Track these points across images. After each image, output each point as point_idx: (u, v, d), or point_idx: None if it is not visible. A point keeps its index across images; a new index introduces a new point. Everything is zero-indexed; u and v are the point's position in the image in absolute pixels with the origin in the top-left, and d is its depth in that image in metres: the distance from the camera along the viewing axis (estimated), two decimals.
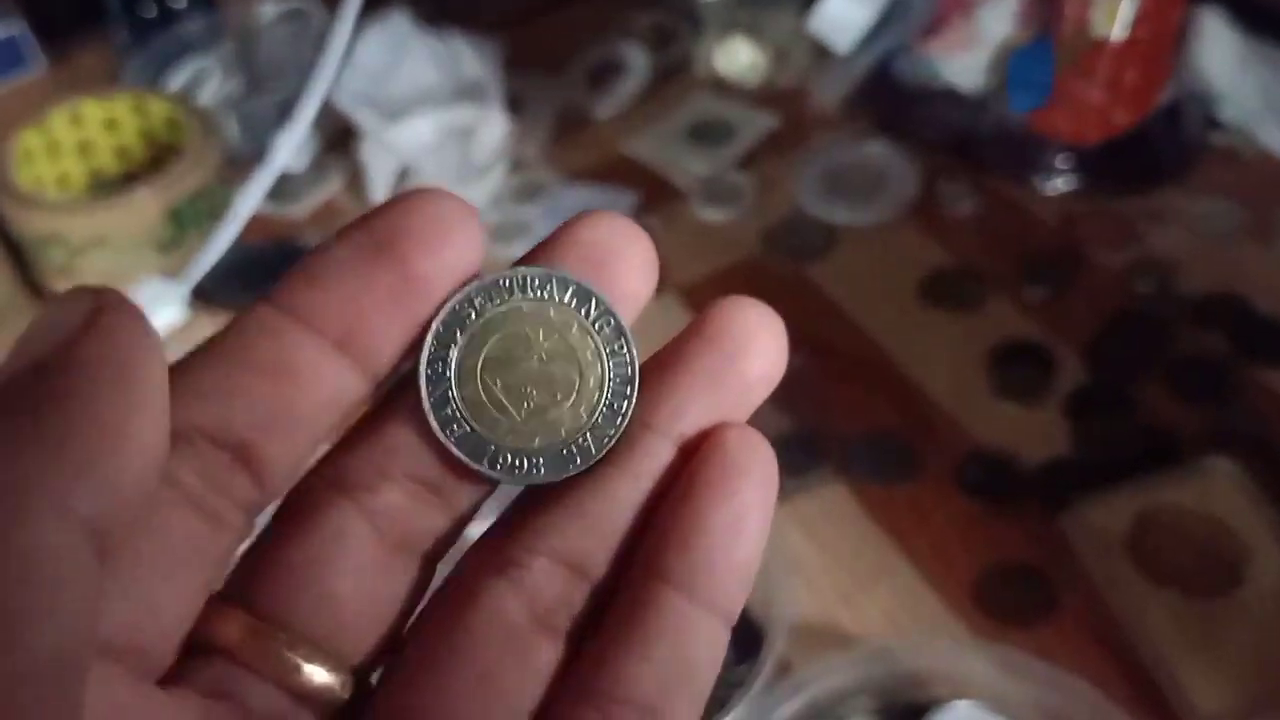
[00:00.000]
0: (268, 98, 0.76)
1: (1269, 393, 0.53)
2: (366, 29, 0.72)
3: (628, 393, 0.19)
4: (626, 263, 0.20)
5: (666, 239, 0.66)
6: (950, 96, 0.68)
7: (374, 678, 0.20)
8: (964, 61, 0.67)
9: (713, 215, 0.67)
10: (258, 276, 0.66)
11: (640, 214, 0.68)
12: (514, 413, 0.19)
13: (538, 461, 0.19)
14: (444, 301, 0.19)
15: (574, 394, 0.19)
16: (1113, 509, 0.48)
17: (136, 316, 0.16)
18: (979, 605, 0.47)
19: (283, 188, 0.72)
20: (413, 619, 0.20)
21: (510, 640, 0.19)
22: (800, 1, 0.74)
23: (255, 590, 0.19)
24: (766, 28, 0.77)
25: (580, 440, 0.19)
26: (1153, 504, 0.48)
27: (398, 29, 0.72)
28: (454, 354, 0.19)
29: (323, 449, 0.20)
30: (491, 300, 0.19)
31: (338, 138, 0.73)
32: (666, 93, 0.76)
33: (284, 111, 0.72)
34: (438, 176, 0.70)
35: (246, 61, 0.79)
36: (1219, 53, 0.63)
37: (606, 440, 0.19)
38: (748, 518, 0.19)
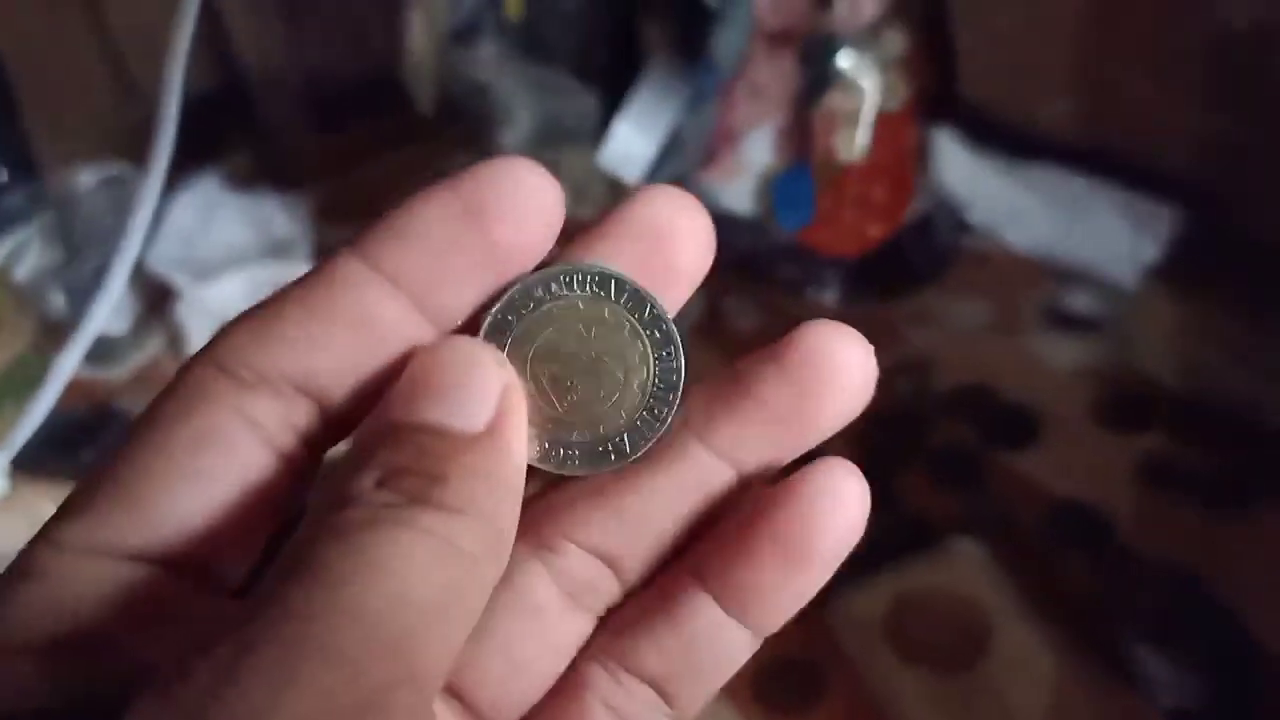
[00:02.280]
0: (88, 265, 0.78)
1: (1011, 475, 0.58)
2: (178, 191, 0.76)
3: (671, 399, 0.20)
4: (684, 241, 0.20)
5: None
6: (729, 221, 0.73)
7: None
8: (736, 188, 0.72)
9: None
10: (78, 443, 0.67)
11: None
12: (557, 403, 0.20)
13: (574, 453, 0.20)
14: (506, 287, 0.19)
15: (617, 393, 0.20)
16: (871, 595, 0.52)
17: (523, 416, 0.19)
18: (757, 698, 0.50)
19: (105, 352, 0.74)
20: None
21: (536, 613, 0.20)
22: (593, 140, 0.79)
23: None
24: (564, 166, 0.82)
25: (617, 439, 0.20)
26: (907, 587, 0.52)
27: (208, 191, 0.76)
28: (507, 341, 0.19)
29: None
30: (549, 292, 0.19)
31: (157, 299, 0.76)
32: None
33: (101, 276, 0.74)
34: None
35: (66, 230, 0.81)
36: (955, 166, 0.69)
37: (643, 443, 0.20)
38: (818, 564, 0.20)
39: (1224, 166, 0.61)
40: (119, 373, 0.73)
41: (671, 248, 0.20)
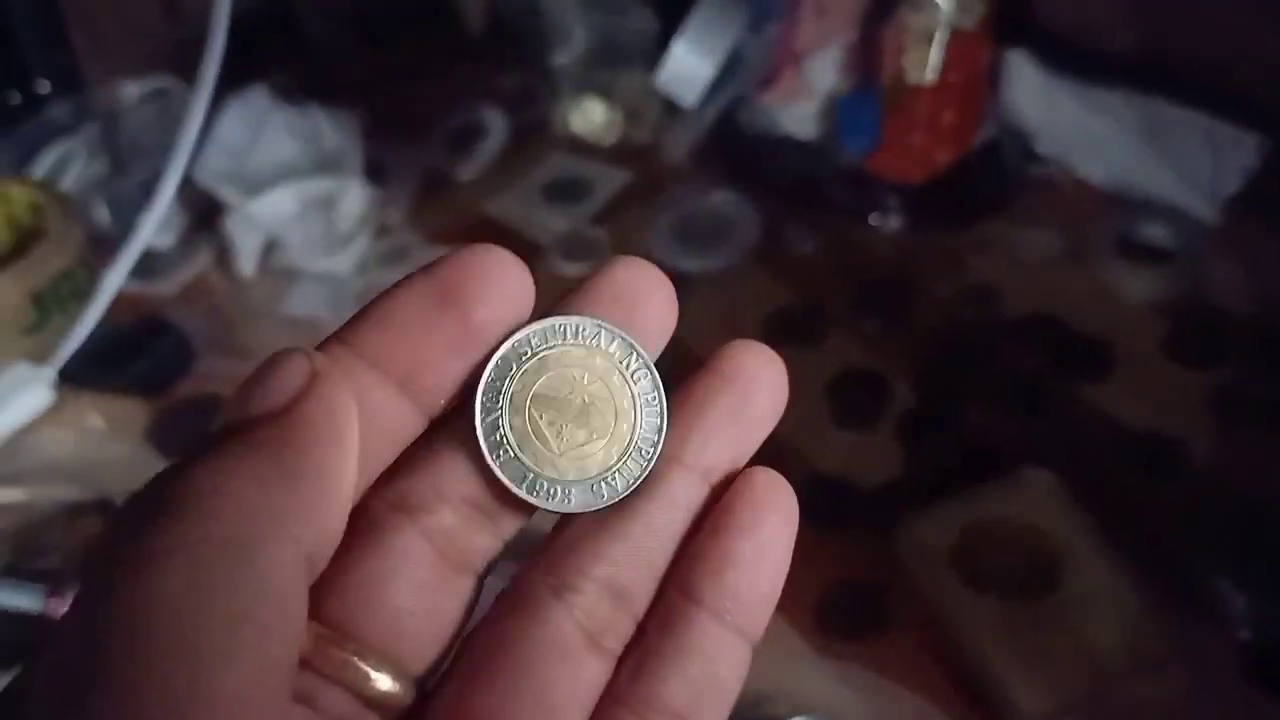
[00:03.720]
0: (134, 178, 0.77)
1: (1082, 404, 0.56)
2: (226, 105, 0.74)
3: (656, 440, 0.21)
4: (653, 303, 0.22)
5: None
6: (789, 144, 0.71)
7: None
8: (798, 111, 0.70)
9: (571, 269, 0.70)
10: (125, 356, 0.67)
11: None
12: (554, 446, 0.21)
13: (570, 492, 0.21)
14: (503, 338, 0.21)
15: (608, 435, 0.21)
16: (939, 523, 0.51)
17: (345, 385, 0.19)
18: (820, 624, 0.49)
19: (151, 266, 0.73)
20: (468, 631, 0.22)
21: (565, 656, 0.21)
22: (649, 61, 0.78)
23: (325, 603, 0.20)
24: (618, 88, 0.80)
25: (610, 478, 0.21)
26: (976, 516, 0.51)
27: (257, 104, 0.75)
28: (508, 386, 0.21)
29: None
30: (546, 341, 0.21)
31: (204, 214, 0.75)
32: (525, 153, 0.79)
33: (150, 191, 0.73)
34: (303, 246, 0.72)
35: (111, 143, 0.80)
36: (1028, 92, 0.67)
37: (633, 481, 0.21)
38: (773, 550, 0.21)
39: None
40: (166, 286, 0.72)
41: (641, 309, 0.22)
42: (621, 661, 0.21)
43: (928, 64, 0.63)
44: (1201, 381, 0.56)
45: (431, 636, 0.21)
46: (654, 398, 0.22)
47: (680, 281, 0.69)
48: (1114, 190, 0.67)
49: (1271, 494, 0.51)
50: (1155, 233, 0.64)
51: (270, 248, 0.72)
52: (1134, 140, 0.65)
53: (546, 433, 0.21)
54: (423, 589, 0.21)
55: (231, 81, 0.76)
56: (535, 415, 0.21)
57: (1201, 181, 0.62)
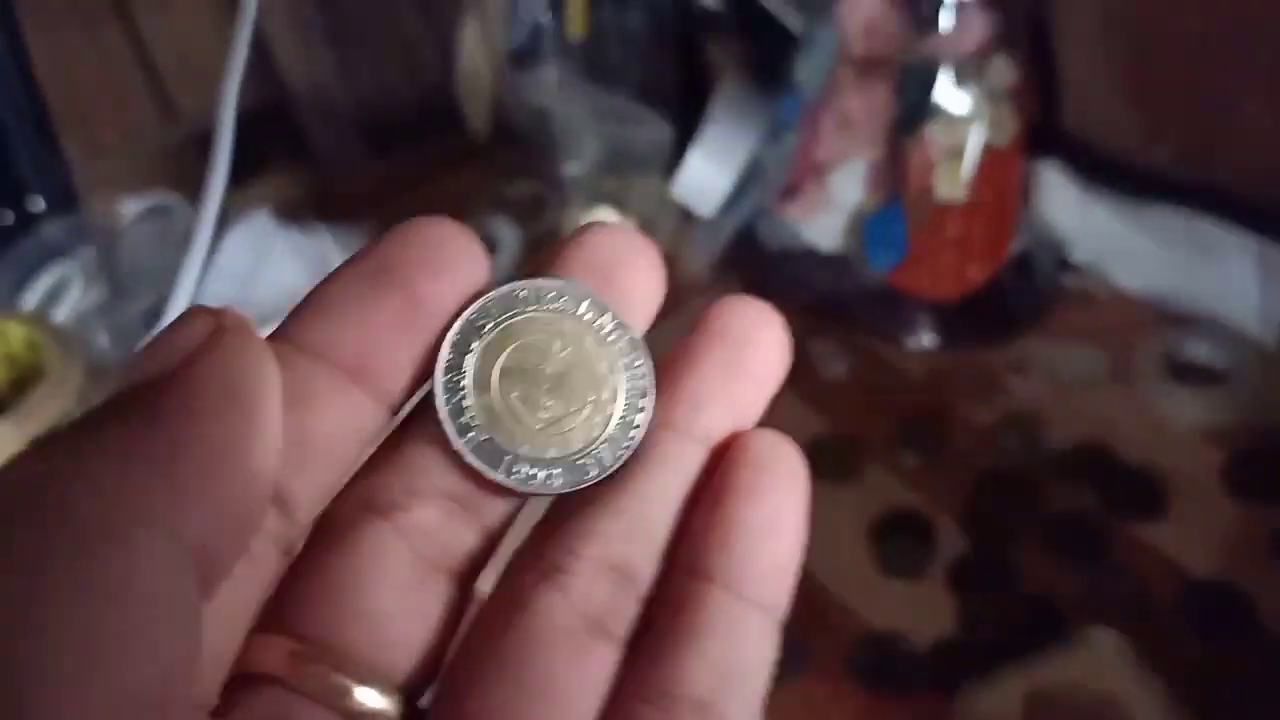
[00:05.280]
0: (135, 303, 0.75)
1: (1141, 547, 0.54)
2: (230, 228, 0.72)
3: (642, 405, 0.19)
4: (634, 272, 0.20)
5: None
6: (813, 258, 0.69)
7: (424, 699, 0.19)
8: (821, 224, 0.68)
9: None
10: None
11: None
12: (529, 422, 0.19)
13: (554, 472, 0.19)
14: (459, 310, 0.19)
15: (589, 405, 0.19)
16: (1003, 692, 0.48)
17: (254, 339, 0.16)
18: None
19: None
20: (461, 633, 0.19)
21: (567, 646, 0.18)
22: (664, 170, 0.75)
23: (295, 616, 0.18)
24: (632, 196, 0.78)
25: (595, 451, 0.19)
26: (1041, 683, 0.48)
27: (261, 227, 0.72)
28: (470, 362, 0.19)
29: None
30: (507, 310, 0.19)
31: None
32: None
33: (152, 318, 0.71)
34: None
35: (110, 265, 0.77)
36: (1061, 203, 0.65)
37: (621, 452, 0.19)
38: (783, 515, 0.19)
39: None
40: None
41: (621, 279, 0.20)
42: (633, 649, 0.19)
43: (958, 181, 0.61)
44: (1266, 518, 0.54)
45: (417, 644, 0.19)
46: (636, 359, 0.20)
47: None
48: (1155, 304, 0.64)
49: None
50: (1203, 351, 0.61)
51: None
52: (1177, 253, 0.62)
53: (519, 408, 0.19)
54: (403, 592, 0.19)
55: (235, 187, 0.74)
56: (505, 391, 0.19)
57: (1252, 300, 0.60)
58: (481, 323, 0.19)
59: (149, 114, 0.89)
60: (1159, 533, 0.54)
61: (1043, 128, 0.64)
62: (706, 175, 0.73)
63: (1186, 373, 0.61)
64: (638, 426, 0.19)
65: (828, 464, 0.60)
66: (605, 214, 0.77)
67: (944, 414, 0.62)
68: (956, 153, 0.61)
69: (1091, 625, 0.49)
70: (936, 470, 0.59)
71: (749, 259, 0.72)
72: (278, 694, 0.18)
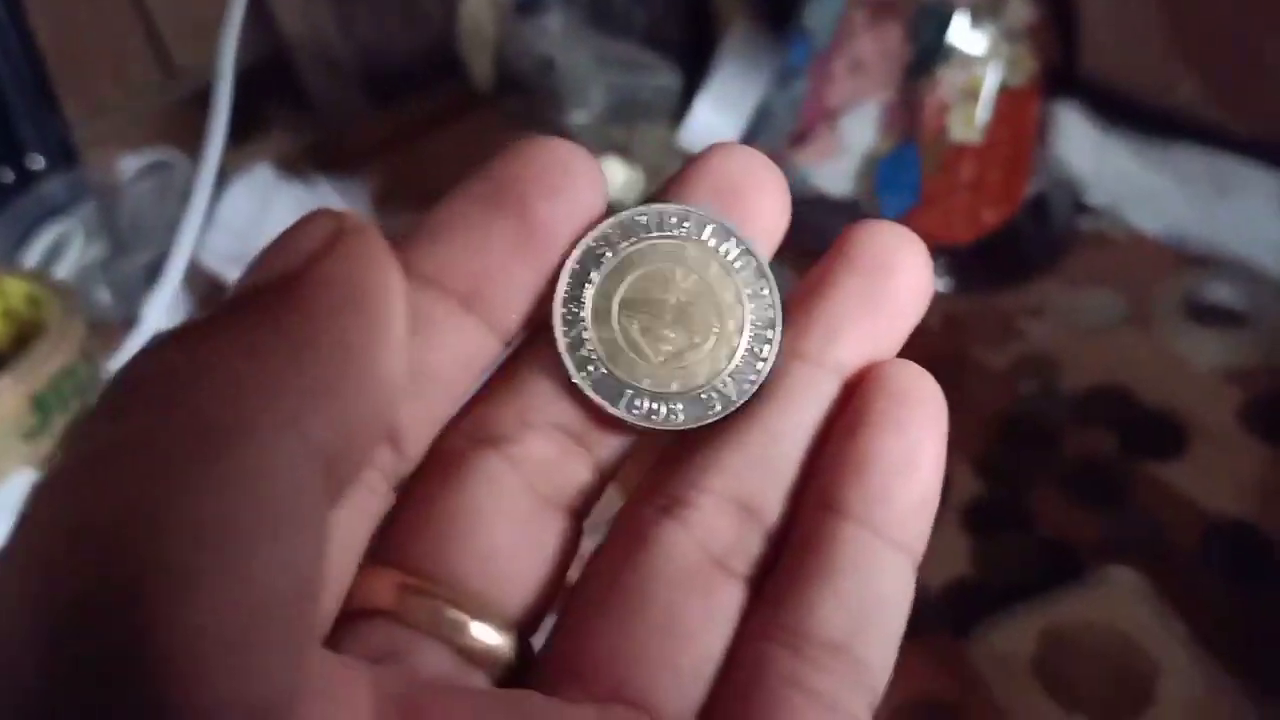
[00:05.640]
0: (135, 259, 0.74)
1: (1160, 488, 0.53)
2: (231, 182, 0.71)
3: (770, 336, 0.19)
4: (761, 196, 0.19)
5: None
6: (824, 203, 0.68)
7: (536, 636, 0.19)
8: (832, 169, 0.67)
9: None
10: None
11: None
12: (651, 355, 0.19)
13: (676, 407, 0.18)
14: (577, 239, 0.18)
15: (713, 337, 0.19)
16: (1017, 631, 0.47)
17: (378, 242, 0.15)
18: None
19: None
20: (577, 570, 0.19)
21: (690, 581, 0.18)
22: (671, 118, 0.74)
23: (406, 550, 0.17)
24: (639, 145, 0.76)
25: (720, 385, 0.19)
26: (1057, 622, 0.47)
27: (262, 180, 0.71)
28: (589, 293, 0.18)
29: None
30: (628, 238, 0.18)
31: (210, 297, 0.72)
32: None
33: (153, 273, 0.70)
34: None
35: (110, 221, 0.76)
36: (1078, 144, 0.64)
37: (748, 386, 0.18)
38: (922, 449, 0.19)
39: None
40: None
41: (747, 203, 0.19)
42: (760, 587, 0.18)
43: (973, 123, 0.60)
44: None
45: (531, 580, 0.18)
46: (763, 287, 0.19)
47: None
48: (1173, 245, 0.63)
49: None
50: (1224, 293, 0.60)
51: None
52: (1197, 193, 0.61)
53: (640, 341, 0.19)
54: (517, 525, 0.18)
55: (235, 144, 0.73)
56: (625, 322, 0.19)
57: (1274, 240, 0.58)
58: (601, 250, 0.18)
59: (149, 71, 0.88)
60: (1178, 474, 0.53)
61: (1061, 68, 0.63)
62: (715, 122, 0.71)
63: (1206, 314, 0.60)
64: (765, 359, 0.19)
65: None
66: (613, 164, 0.76)
67: (959, 358, 0.61)
68: (972, 94, 0.60)
69: (1109, 565, 0.49)
70: (951, 414, 0.58)
71: None
72: (389, 628, 0.17)
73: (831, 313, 0.19)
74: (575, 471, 0.19)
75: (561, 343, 0.18)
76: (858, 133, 0.65)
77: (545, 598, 0.18)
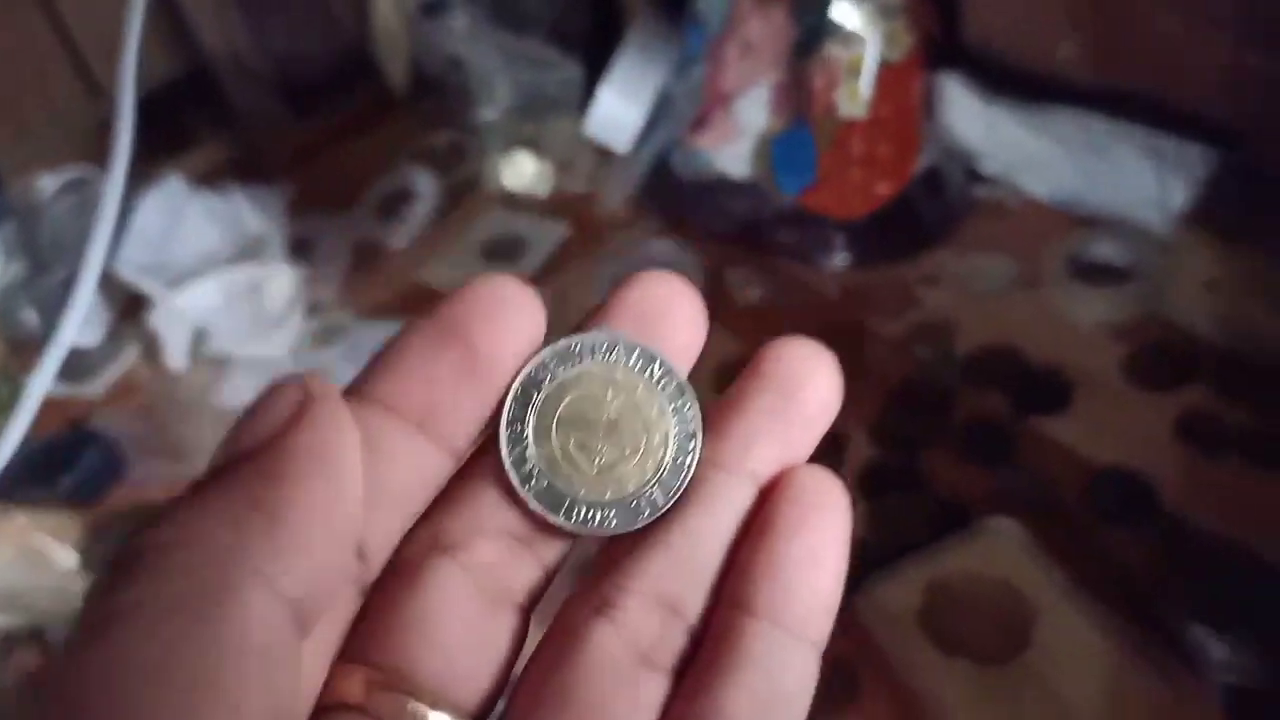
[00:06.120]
0: (56, 275, 0.75)
1: (1047, 443, 0.54)
2: (143, 194, 0.72)
3: (691, 447, 0.21)
4: (677, 317, 0.21)
5: None
6: (726, 186, 0.69)
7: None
8: (732, 152, 0.68)
9: None
10: (53, 469, 0.64)
11: None
12: (586, 469, 0.20)
13: (610, 513, 0.20)
14: (520, 368, 0.20)
15: (641, 450, 0.20)
16: (904, 584, 0.49)
17: (339, 407, 0.18)
18: None
19: (79, 366, 0.70)
20: (521, 664, 0.20)
21: (617, 677, 0.19)
22: (578, 110, 0.75)
23: (372, 648, 0.19)
24: (548, 138, 0.78)
25: (648, 493, 0.20)
26: (942, 574, 0.49)
27: (173, 192, 0.72)
28: (530, 415, 0.20)
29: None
30: (564, 364, 0.20)
31: (129, 309, 0.72)
32: (458, 214, 0.77)
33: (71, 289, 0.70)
34: (233, 333, 0.69)
35: (31, 240, 0.77)
36: (966, 115, 0.65)
37: (673, 492, 0.20)
38: (825, 550, 0.20)
39: (1256, 103, 0.57)
40: (94, 388, 0.70)
41: (666, 325, 0.21)
42: (680, 678, 0.20)
43: (858, 97, 0.61)
44: (1166, 406, 0.54)
45: (484, 673, 0.20)
46: (684, 403, 0.21)
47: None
48: (1063, 208, 0.65)
49: (1247, 527, 0.49)
50: (1108, 251, 0.61)
51: (199, 337, 0.70)
52: (1080, 156, 0.63)
53: (577, 456, 0.21)
54: (470, 625, 0.20)
55: (154, 160, 0.74)
56: (563, 439, 0.21)
57: (1150, 196, 0.60)
58: (540, 376, 0.20)
59: (73, 93, 0.89)
60: (1064, 428, 0.55)
61: (942, 40, 0.64)
62: (618, 111, 0.73)
63: (1091, 273, 0.61)
64: (687, 468, 0.20)
65: None
66: (523, 158, 0.77)
67: (856, 330, 0.62)
68: (855, 70, 0.61)
69: (993, 516, 0.50)
70: (849, 384, 0.59)
71: (665, 192, 0.72)
72: None
73: (747, 425, 0.21)
74: (521, 572, 0.20)
75: (507, 459, 0.20)
76: (752, 114, 0.66)
77: (497, 687, 0.20)
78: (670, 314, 0.21)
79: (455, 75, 0.79)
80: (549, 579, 0.21)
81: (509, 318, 0.20)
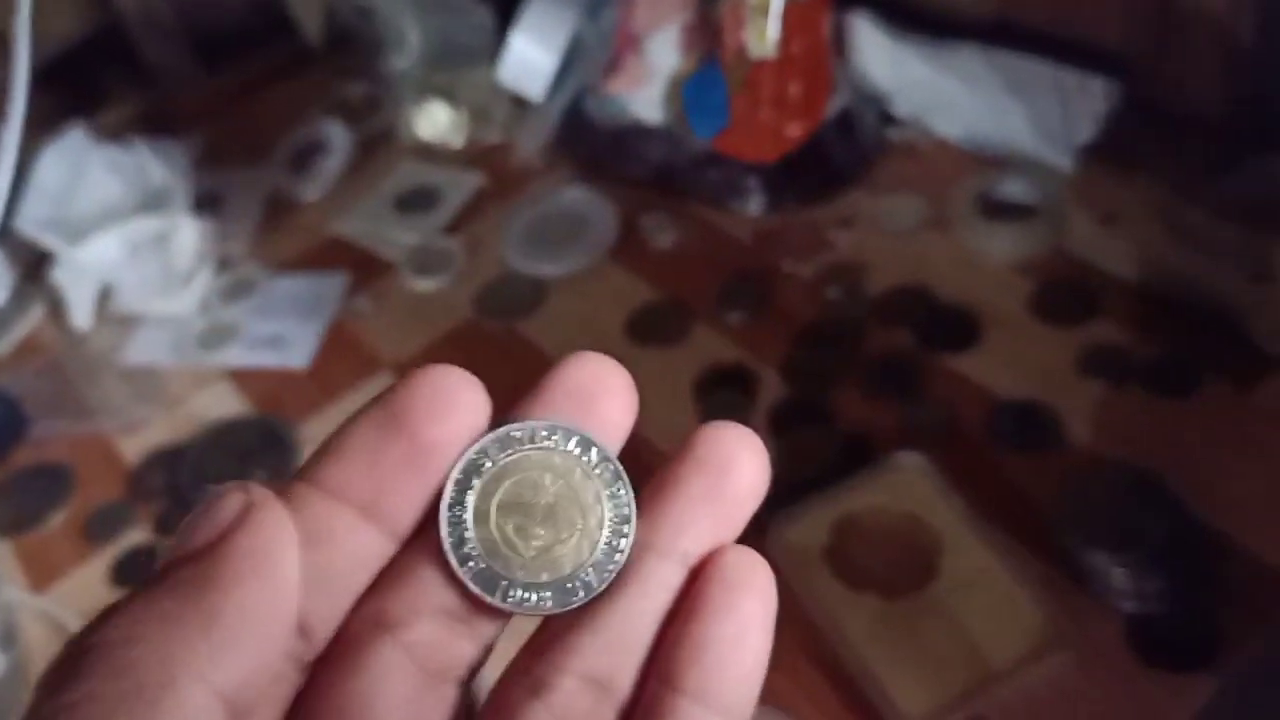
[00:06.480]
0: None
1: (953, 378, 0.54)
2: (43, 148, 0.70)
3: (625, 531, 0.21)
4: (610, 399, 0.22)
5: (379, 316, 0.65)
6: (640, 132, 0.69)
7: None
8: (644, 96, 0.68)
9: (424, 285, 0.66)
10: None
11: (351, 293, 0.67)
12: (523, 551, 0.21)
13: (545, 595, 0.21)
14: (462, 452, 0.21)
15: (576, 533, 0.21)
16: (811, 521, 0.49)
17: (280, 514, 0.19)
18: None
19: None
20: None
21: None
22: (491, 58, 0.74)
23: None
24: (462, 88, 0.77)
25: (583, 575, 0.21)
26: (848, 509, 0.49)
27: (76, 145, 0.70)
28: (470, 499, 0.21)
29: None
30: (504, 450, 0.21)
31: (32, 267, 0.71)
32: (371, 165, 0.76)
33: None
34: (139, 289, 0.67)
35: None
36: (876, 55, 0.65)
37: (607, 575, 0.21)
38: (750, 630, 0.21)
39: (1152, 33, 0.57)
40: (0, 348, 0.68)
41: (598, 406, 0.22)
42: None
43: (766, 37, 0.61)
44: (1072, 341, 0.55)
45: None
46: (619, 489, 0.21)
47: (539, 287, 0.66)
48: (973, 148, 0.65)
49: (1147, 455, 0.49)
50: (1015, 189, 0.62)
51: (105, 295, 0.68)
52: (987, 95, 0.63)
53: (514, 539, 0.21)
54: (408, 703, 0.20)
55: (70, 118, 0.72)
56: (501, 523, 0.21)
57: (1055, 132, 0.60)
58: (481, 461, 0.21)
59: None
60: (970, 363, 0.55)
61: None
62: (530, 57, 0.72)
63: (998, 211, 0.61)
64: (621, 551, 0.21)
65: (655, 329, 0.60)
66: (437, 108, 0.76)
67: (769, 273, 0.62)
68: (763, 8, 0.61)
69: (899, 450, 0.50)
70: (760, 326, 0.59)
71: (580, 139, 0.71)
72: None
73: (679, 509, 0.21)
74: (460, 648, 0.21)
75: (446, 542, 0.21)
76: (662, 56, 0.66)
77: None
78: (604, 394, 0.22)
79: (367, 25, 0.77)
80: (488, 652, 0.22)
81: (453, 407, 0.21)
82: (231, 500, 0.19)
